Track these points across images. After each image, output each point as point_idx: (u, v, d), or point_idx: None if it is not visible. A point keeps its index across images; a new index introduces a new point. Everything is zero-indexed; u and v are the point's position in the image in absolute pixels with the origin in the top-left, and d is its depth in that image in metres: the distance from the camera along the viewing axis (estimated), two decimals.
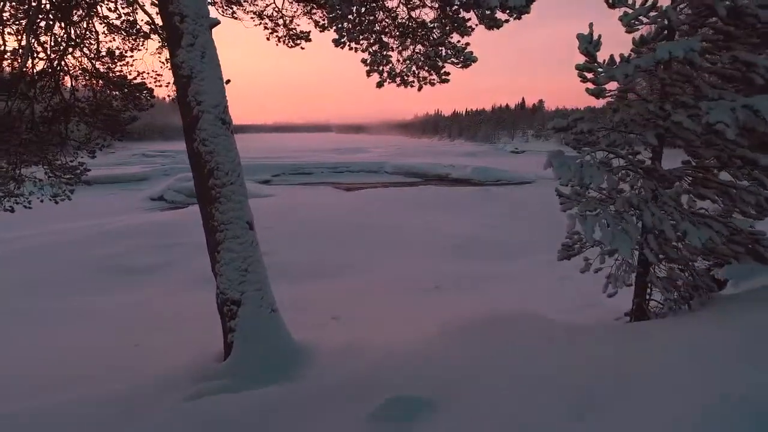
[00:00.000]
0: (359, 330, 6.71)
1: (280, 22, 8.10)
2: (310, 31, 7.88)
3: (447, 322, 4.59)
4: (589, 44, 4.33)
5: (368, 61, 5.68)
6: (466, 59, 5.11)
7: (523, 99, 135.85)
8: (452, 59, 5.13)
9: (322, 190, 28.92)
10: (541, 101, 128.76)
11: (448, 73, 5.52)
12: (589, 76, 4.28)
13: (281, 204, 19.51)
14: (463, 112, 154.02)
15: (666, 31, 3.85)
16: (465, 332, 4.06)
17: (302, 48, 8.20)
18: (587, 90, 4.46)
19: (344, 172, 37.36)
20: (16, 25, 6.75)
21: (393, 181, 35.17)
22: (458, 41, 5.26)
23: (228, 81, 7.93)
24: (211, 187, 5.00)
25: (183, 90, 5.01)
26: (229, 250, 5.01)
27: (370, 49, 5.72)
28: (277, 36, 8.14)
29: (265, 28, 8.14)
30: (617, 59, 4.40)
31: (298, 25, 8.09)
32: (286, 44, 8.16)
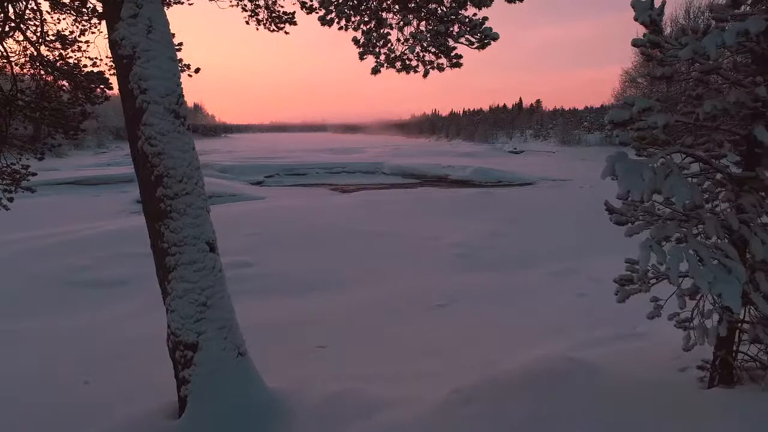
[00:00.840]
0: (351, 365, 5.65)
1: (261, 3, 7.02)
2: (294, 12, 6.80)
3: (471, 384, 3.47)
4: (650, 11, 3.27)
5: (361, 42, 4.62)
6: (485, 37, 4.05)
7: (520, 99, 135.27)
8: (467, 36, 4.07)
9: (317, 191, 27.81)
10: (538, 101, 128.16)
11: (460, 56, 4.46)
12: (656, 52, 3.23)
13: (272, 207, 18.42)
14: (461, 113, 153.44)
15: None
16: (500, 404, 2.99)
17: (286, 33, 7.11)
18: (650, 73, 3.41)
19: (340, 173, 36.24)
20: None
21: (390, 182, 34.07)
22: (474, 14, 4.21)
23: (197, 69, 6.87)
24: (159, 199, 3.92)
25: (124, 74, 3.93)
26: (182, 279, 3.93)
27: (364, 27, 4.65)
28: (257, 19, 7.06)
29: (244, 10, 7.05)
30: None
31: (282, 6, 7.02)
32: (268, 28, 7.07)
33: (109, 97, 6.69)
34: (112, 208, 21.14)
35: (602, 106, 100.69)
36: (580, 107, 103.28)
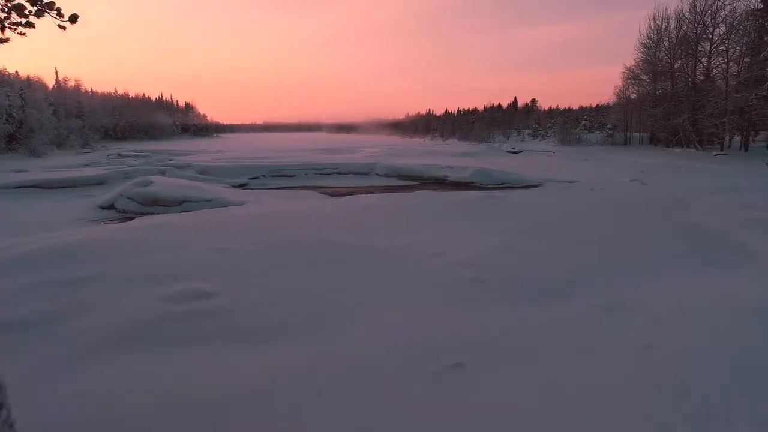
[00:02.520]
0: None
1: None
2: None
3: None
4: None
5: None
6: None
7: (515, 98, 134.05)
8: None
9: (304, 195, 25.41)
10: (534, 100, 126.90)
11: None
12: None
13: (249, 215, 16.02)
14: (455, 112, 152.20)
15: None
16: None
17: None
18: None
19: (331, 174, 33.87)
20: None
21: (385, 184, 31.76)
22: None
23: (74, 17, 4.47)
24: None
25: None
26: None
27: None
28: None
29: None
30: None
31: None
32: None
33: None
34: (67, 216, 18.64)
35: (597, 105, 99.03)
36: (575, 107, 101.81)
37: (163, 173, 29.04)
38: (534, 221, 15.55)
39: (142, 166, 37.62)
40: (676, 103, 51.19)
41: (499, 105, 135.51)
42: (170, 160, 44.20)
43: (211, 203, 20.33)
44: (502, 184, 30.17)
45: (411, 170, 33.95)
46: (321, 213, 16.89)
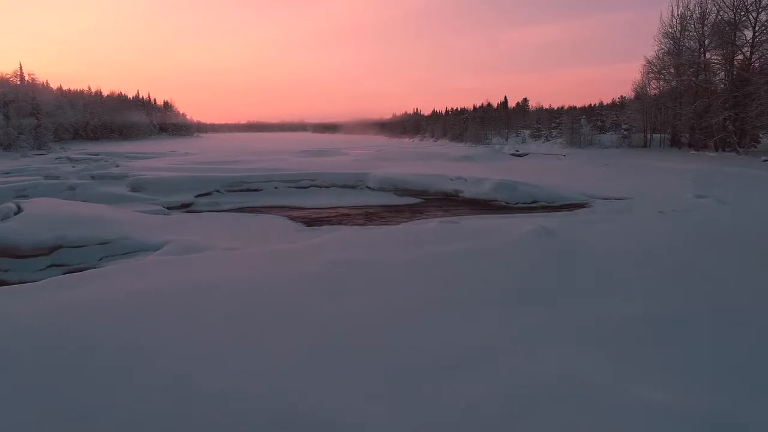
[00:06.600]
0: None
1: None
2: None
3: None
4: None
5: None
6: None
7: (505, 98, 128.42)
8: None
9: (263, 226, 17.96)
10: (525, 99, 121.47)
11: None
12: None
13: (146, 286, 8.46)
14: (443, 112, 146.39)
15: None
16: None
17: None
18: None
19: (309, 188, 26.41)
20: None
21: (380, 202, 24.37)
22: None
23: None
24: None
25: None
26: None
27: None
28: None
29: None
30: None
31: None
32: None
33: None
34: None
35: (592, 105, 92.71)
36: (566, 107, 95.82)
37: (72, 189, 21.31)
38: (668, 304, 8.19)
39: (75, 176, 29.85)
40: (712, 100, 44.61)
41: (489, 104, 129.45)
42: (116, 166, 36.47)
43: (109, 247, 12.74)
44: (534, 202, 23.03)
45: (412, 183, 26.53)
46: (270, 284, 9.41)
